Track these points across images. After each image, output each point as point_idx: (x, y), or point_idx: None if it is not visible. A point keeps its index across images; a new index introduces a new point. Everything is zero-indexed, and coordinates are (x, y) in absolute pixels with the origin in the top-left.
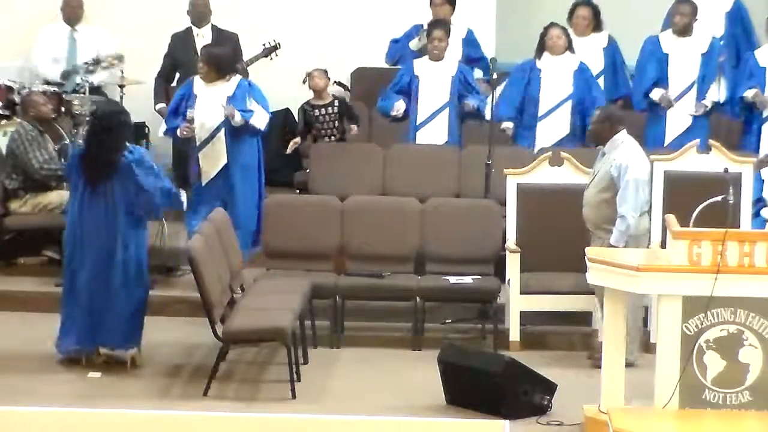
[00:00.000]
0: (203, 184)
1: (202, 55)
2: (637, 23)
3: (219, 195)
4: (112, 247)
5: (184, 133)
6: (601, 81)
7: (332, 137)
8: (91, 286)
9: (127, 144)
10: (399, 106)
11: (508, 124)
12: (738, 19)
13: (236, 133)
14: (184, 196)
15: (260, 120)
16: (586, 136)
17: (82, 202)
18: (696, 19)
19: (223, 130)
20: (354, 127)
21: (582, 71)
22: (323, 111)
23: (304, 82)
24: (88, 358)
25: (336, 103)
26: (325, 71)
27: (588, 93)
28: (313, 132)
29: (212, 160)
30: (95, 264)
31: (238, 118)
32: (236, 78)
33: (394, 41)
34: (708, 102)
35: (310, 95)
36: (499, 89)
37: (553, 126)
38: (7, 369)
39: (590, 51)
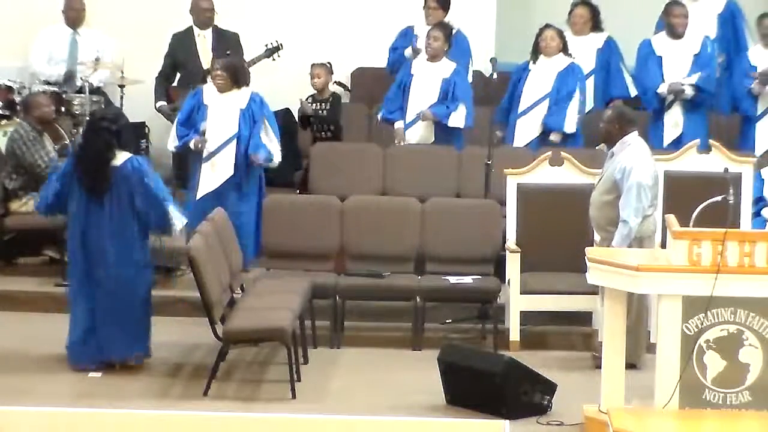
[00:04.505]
0: (197, 199)
1: (219, 65)
2: (637, 25)
3: (222, 205)
4: (116, 253)
5: (199, 146)
6: (591, 81)
7: (324, 133)
8: (99, 296)
9: (130, 154)
10: (399, 125)
11: (499, 133)
12: (729, 21)
13: (246, 146)
14: (178, 223)
15: (277, 154)
16: (598, 135)
17: (83, 208)
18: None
19: (234, 142)
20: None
21: (568, 72)
22: (319, 106)
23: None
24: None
25: (331, 99)
26: (325, 65)
27: (566, 92)
28: (311, 127)
29: (218, 172)
30: (101, 271)
31: (262, 160)
32: (247, 90)
33: (393, 49)
34: (685, 83)
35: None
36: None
37: (529, 125)
38: (7, 369)
39: (584, 51)
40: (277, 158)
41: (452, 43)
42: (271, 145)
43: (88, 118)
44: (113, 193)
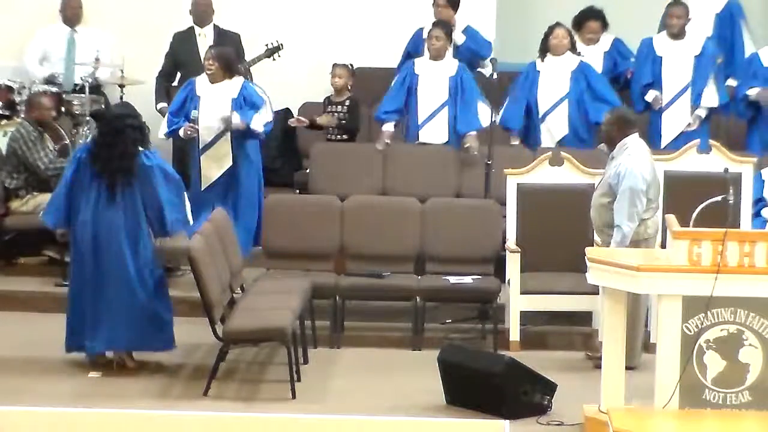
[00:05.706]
0: (202, 189)
1: (211, 54)
2: (640, 23)
3: (222, 196)
4: (129, 250)
5: (188, 133)
6: None
7: (338, 135)
8: (108, 290)
9: (142, 148)
10: (387, 128)
11: (515, 140)
12: (727, 21)
13: (241, 134)
14: (187, 235)
15: (258, 123)
16: (598, 136)
17: (98, 204)
18: (689, 20)
19: (229, 132)
20: (330, 118)
21: (581, 70)
22: (336, 108)
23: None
24: (118, 363)
25: (347, 102)
26: (347, 66)
27: (589, 90)
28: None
29: (216, 163)
30: (111, 267)
31: (237, 121)
32: (239, 79)
33: (406, 55)
34: (702, 112)
35: (310, 95)
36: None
37: (553, 127)
38: (7, 369)
39: (593, 54)
40: (257, 127)
41: (470, 35)
42: (260, 117)
43: (103, 121)
44: (127, 190)
